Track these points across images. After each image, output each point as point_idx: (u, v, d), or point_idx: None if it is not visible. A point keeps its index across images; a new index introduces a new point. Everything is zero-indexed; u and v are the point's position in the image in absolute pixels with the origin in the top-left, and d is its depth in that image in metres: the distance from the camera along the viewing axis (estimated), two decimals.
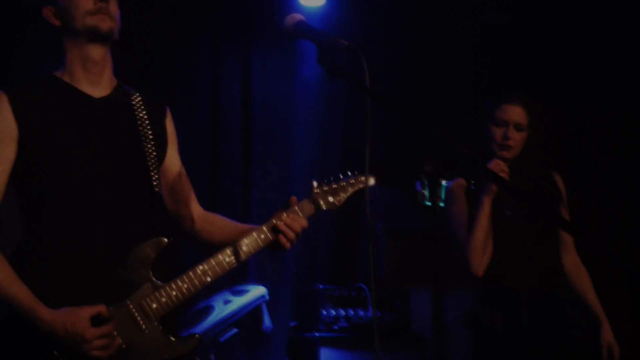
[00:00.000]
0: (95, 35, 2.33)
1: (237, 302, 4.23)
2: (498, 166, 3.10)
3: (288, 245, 2.38)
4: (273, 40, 5.11)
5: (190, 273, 2.30)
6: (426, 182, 4.43)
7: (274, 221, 2.38)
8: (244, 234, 2.38)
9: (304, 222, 2.39)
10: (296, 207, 2.41)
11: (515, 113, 3.21)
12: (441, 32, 5.40)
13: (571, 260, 3.35)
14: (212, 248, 2.41)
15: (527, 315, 3.13)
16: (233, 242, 2.36)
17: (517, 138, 3.21)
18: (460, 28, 5.40)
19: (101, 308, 2.15)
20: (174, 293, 2.26)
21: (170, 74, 4.81)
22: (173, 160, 2.53)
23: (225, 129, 4.95)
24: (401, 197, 5.12)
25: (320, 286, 4.64)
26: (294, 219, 2.38)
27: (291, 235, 2.36)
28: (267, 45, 5.15)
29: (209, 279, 2.31)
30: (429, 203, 4.94)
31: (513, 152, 3.23)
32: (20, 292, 2.14)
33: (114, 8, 2.37)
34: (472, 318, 3.25)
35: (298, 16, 2.18)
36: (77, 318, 2.11)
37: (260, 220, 4.73)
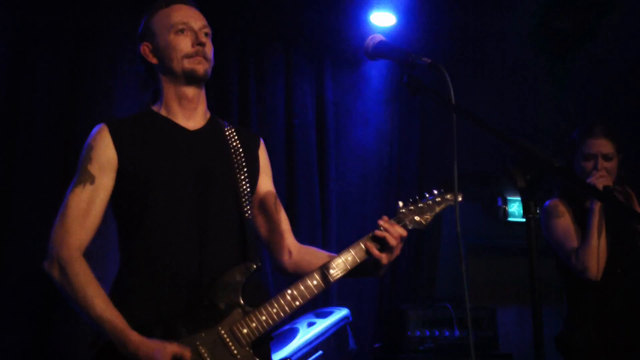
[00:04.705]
0: (192, 79, 2.41)
1: (321, 324, 4.21)
2: (599, 173, 3.27)
3: (385, 259, 2.32)
4: (346, 61, 5.13)
5: (279, 297, 2.30)
6: (515, 198, 4.38)
7: (365, 239, 2.35)
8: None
9: (402, 231, 2.34)
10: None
11: (601, 145, 3.35)
12: (512, 48, 5.32)
13: None
14: None
15: (622, 333, 3.22)
16: (320, 266, 2.35)
17: (608, 167, 3.35)
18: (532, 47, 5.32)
19: (186, 352, 2.16)
20: (263, 318, 2.27)
21: (245, 98, 4.87)
22: (266, 189, 2.55)
23: (301, 150, 4.98)
24: (478, 212, 5.05)
25: (404, 306, 4.58)
26: (392, 225, 2.33)
27: (393, 241, 2.31)
28: (341, 67, 5.18)
29: (297, 303, 2.30)
30: (514, 219, 4.90)
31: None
32: (114, 316, 2.19)
33: (209, 49, 2.44)
34: (564, 340, 3.30)
35: (379, 37, 2.20)
36: (162, 350, 2.14)
37: (338, 243, 4.83)
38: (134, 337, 2.16)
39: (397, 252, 2.35)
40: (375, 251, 2.33)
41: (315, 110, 5.09)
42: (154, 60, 2.44)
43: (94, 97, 4.23)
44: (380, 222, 2.33)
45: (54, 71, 4.19)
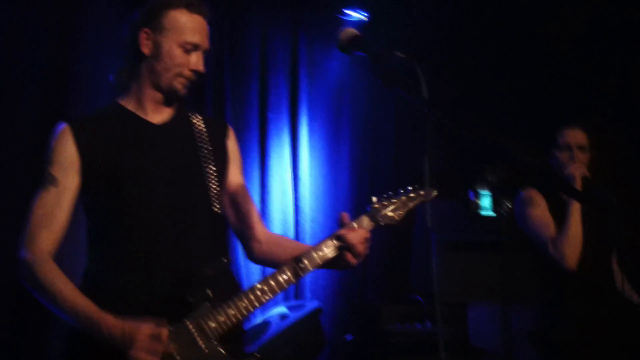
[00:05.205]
0: (171, 96, 2.39)
1: (294, 317, 4.21)
2: (576, 164, 3.31)
3: (353, 260, 2.34)
4: (322, 57, 5.15)
5: (249, 292, 2.29)
6: (487, 193, 4.41)
7: (334, 236, 2.34)
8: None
9: (365, 233, 2.34)
10: (354, 223, 2.37)
11: (577, 136, 3.41)
12: (484, 48, 5.34)
13: (615, 270, 3.49)
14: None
15: (597, 327, 3.24)
16: (291, 261, 2.34)
17: (583, 158, 3.39)
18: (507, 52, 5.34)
19: (163, 331, 2.16)
20: (232, 312, 2.26)
21: (219, 91, 4.85)
22: (235, 180, 2.53)
23: (275, 144, 4.98)
24: (452, 207, 5.06)
25: (377, 300, 4.59)
26: (355, 231, 2.34)
27: (359, 247, 2.31)
28: (316, 62, 5.18)
29: (267, 298, 2.30)
30: (487, 213, 4.93)
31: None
32: (84, 303, 2.18)
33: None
34: (540, 334, 3.32)
35: (352, 30, 2.19)
36: (138, 330, 2.13)
37: (310, 236, 4.85)
38: (108, 319, 2.15)
39: (365, 252, 2.34)
40: (347, 257, 2.33)
41: (289, 103, 5.09)
42: (147, 51, 2.36)
43: (76, 98, 4.18)
44: (342, 232, 2.32)
45: (37, 68, 4.14)
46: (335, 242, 2.34)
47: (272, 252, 2.52)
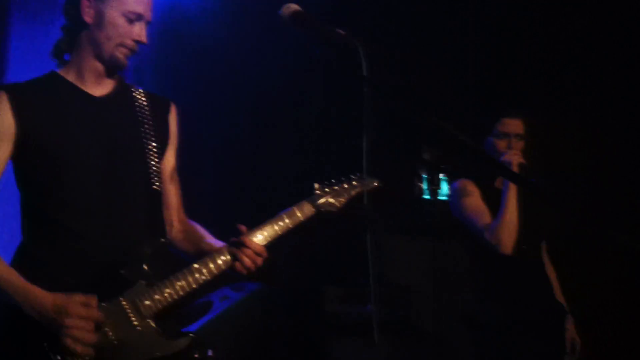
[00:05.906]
0: (112, 67, 2.34)
1: (235, 298, 4.20)
2: (513, 152, 3.37)
3: (244, 271, 2.31)
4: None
5: (186, 271, 2.27)
6: (424, 174, 4.45)
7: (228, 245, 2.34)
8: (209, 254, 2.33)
9: (257, 247, 2.31)
10: (263, 228, 2.35)
11: (515, 125, 3.46)
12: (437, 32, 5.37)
13: (547, 263, 3.58)
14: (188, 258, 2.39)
15: (524, 311, 3.28)
16: (229, 244, 2.33)
17: (518, 146, 3.44)
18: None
19: (92, 299, 2.13)
20: (167, 290, 2.24)
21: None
22: (168, 159, 2.49)
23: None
24: (400, 191, 5.09)
25: (322, 283, 4.61)
26: (245, 246, 2.31)
27: (246, 261, 2.29)
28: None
29: (204, 278, 2.28)
30: (427, 196, 4.98)
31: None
32: (12, 274, 2.14)
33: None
34: (470, 316, 3.39)
35: (294, 6, 2.15)
36: (69, 300, 2.11)
37: (252, 220, 4.84)
38: (38, 292, 2.12)
39: (254, 267, 2.31)
40: (237, 267, 2.31)
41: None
42: (88, 19, 2.30)
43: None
44: (231, 245, 2.31)
45: None
46: (227, 255, 2.31)
47: (179, 239, 2.51)
